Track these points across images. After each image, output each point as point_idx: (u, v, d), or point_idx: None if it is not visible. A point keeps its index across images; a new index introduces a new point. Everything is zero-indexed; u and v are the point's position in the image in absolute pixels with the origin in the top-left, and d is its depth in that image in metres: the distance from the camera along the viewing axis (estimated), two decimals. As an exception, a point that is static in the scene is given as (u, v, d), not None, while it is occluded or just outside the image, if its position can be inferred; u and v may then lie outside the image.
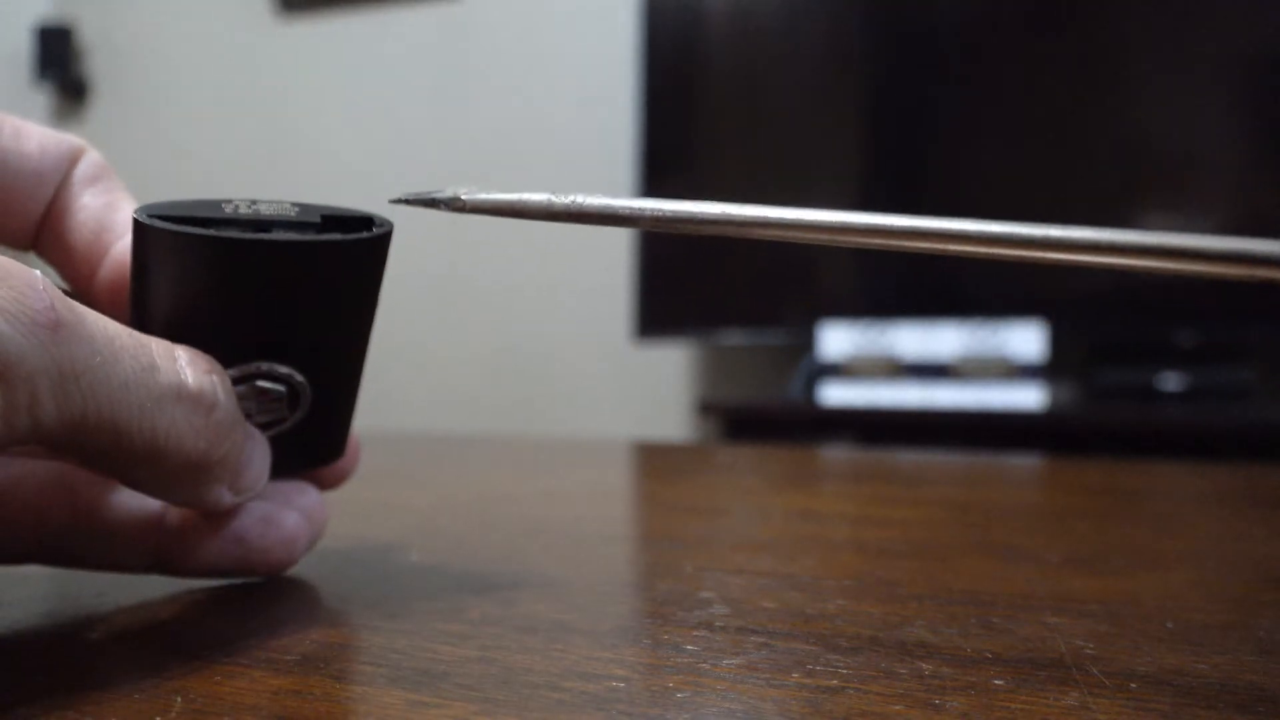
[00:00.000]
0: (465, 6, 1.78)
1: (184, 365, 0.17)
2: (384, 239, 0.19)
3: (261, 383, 0.19)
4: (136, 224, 0.17)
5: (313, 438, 0.21)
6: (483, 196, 0.18)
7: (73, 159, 0.20)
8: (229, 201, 0.18)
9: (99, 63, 2.06)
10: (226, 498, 0.19)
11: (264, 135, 1.92)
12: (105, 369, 0.15)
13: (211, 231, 0.17)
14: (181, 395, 0.16)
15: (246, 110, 1.94)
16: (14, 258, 0.21)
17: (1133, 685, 0.15)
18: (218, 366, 0.18)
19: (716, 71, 1.49)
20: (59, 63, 2.01)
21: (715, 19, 1.47)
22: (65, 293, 0.20)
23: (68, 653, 0.16)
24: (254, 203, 0.18)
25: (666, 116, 1.49)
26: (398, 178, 1.82)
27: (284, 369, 0.19)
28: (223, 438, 0.17)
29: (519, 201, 0.18)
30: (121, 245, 0.20)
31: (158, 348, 0.16)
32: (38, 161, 0.20)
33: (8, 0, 2.03)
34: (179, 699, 0.14)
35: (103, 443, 0.15)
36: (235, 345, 0.18)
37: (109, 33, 2.05)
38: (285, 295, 0.18)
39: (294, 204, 0.19)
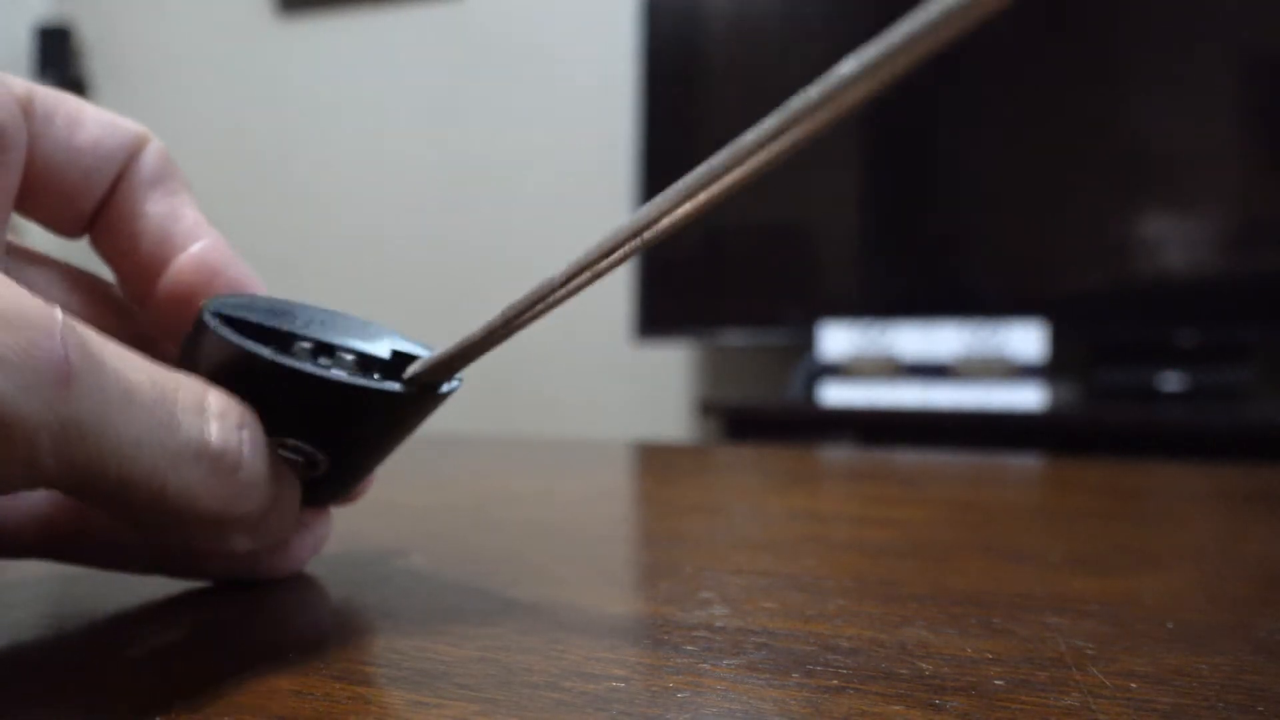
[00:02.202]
0: (465, 6, 1.78)
1: (211, 418, 0.16)
2: (446, 395, 0.19)
3: (282, 451, 0.18)
4: (200, 323, 0.17)
5: (324, 491, 0.20)
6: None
7: (132, 151, 0.19)
8: (304, 307, 0.18)
9: (99, 63, 2.06)
10: (242, 545, 0.18)
11: (264, 135, 1.92)
12: (118, 424, 0.14)
13: (275, 357, 0.17)
14: (201, 455, 0.15)
15: (246, 110, 1.94)
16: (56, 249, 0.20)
17: (1133, 685, 0.15)
18: (251, 419, 0.17)
19: (717, 72, 1.49)
20: (59, 63, 2.01)
21: (715, 19, 1.47)
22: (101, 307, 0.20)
23: (66, 654, 0.16)
24: (325, 317, 0.18)
25: (666, 117, 1.49)
26: (398, 178, 1.82)
27: (309, 447, 0.18)
28: (245, 498, 0.16)
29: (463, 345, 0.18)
30: (183, 259, 0.19)
31: (185, 398, 0.15)
32: (90, 156, 0.19)
33: (8, 0, 2.03)
34: (179, 699, 0.14)
35: (107, 493, 0.14)
36: (267, 425, 0.18)
37: (109, 33, 2.05)
38: (332, 417, 0.18)
39: (366, 324, 0.18)
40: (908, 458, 0.57)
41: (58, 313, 0.13)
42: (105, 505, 0.15)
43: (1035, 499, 0.39)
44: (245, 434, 0.16)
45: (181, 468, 0.15)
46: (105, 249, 0.20)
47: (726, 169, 0.14)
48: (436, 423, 1.73)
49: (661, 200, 0.14)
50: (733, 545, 0.26)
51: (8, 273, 0.18)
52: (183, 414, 0.15)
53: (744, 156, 0.13)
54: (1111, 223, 1.29)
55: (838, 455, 0.66)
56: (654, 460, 0.55)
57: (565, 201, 1.71)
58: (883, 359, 1.28)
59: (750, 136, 0.13)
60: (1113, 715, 0.13)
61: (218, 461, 0.16)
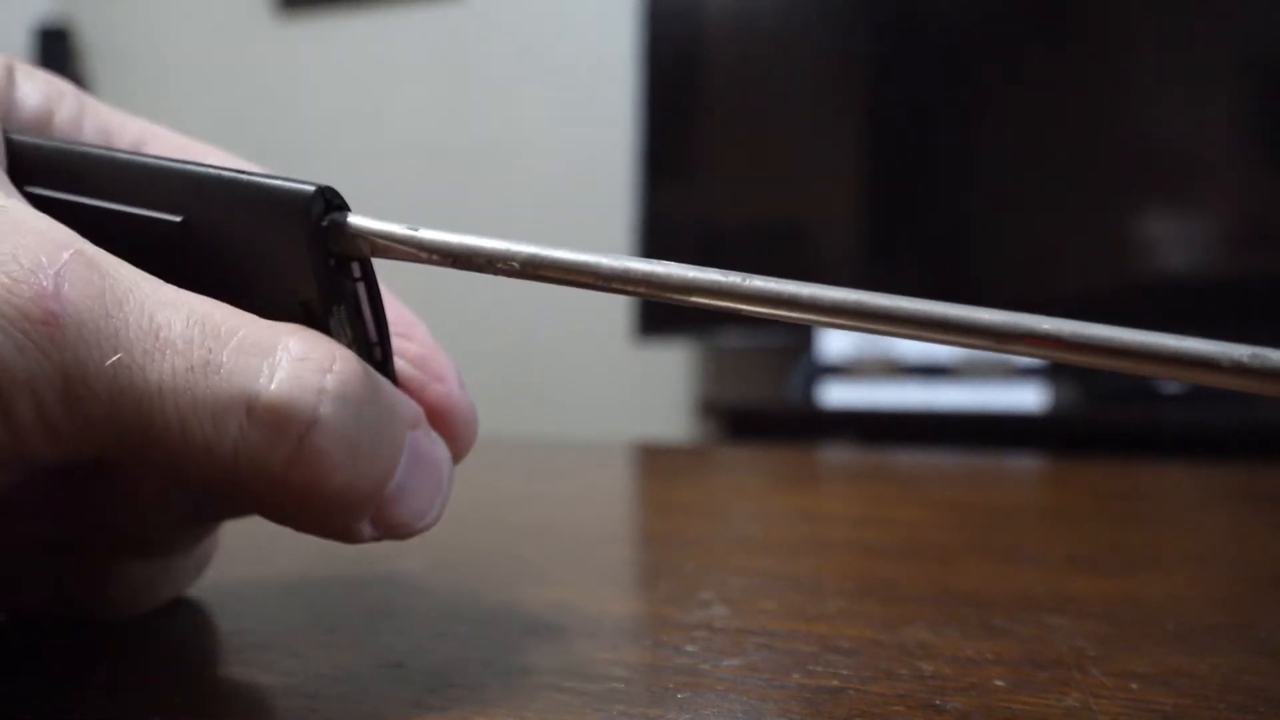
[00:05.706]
0: (466, 7, 1.78)
1: (282, 364, 0.12)
2: None
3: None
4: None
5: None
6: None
7: None
8: None
9: (98, 63, 2.06)
10: (366, 532, 0.14)
11: (264, 136, 1.92)
12: (130, 369, 0.12)
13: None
14: (254, 408, 0.12)
15: (246, 110, 1.94)
16: None
17: (1134, 686, 0.15)
18: (351, 365, 0.13)
19: (717, 74, 1.49)
20: (58, 63, 2.01)
21: (716, 20, 1.47)
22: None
23: (63, 654, 0.16)
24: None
25: (666, 119, 1.49)
26: (398, 179, 1.82)
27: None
28: (338, 468, 0.12)
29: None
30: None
31: (248, 336, 0.12)
32: None
33: (7, 0, 2.03)
34: (176, 700, 0.14)
35: (147, 455, 0.12)
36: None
37: (109, 33, 2.05)
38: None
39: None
40: (908, 458, 0.57)
41: (64, 241, 0.12)
42: (162, 469, 0.13)
43: (1035, 499, 0.39)
44: (330, 380, 0.12)
45: (226, 423, 0.12)
46: None
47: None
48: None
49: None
50: (733, 545, 0.26)
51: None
52: (232, 354, 0.12)
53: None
54: (1113, 222, 1.29)
55: (837, 455, 0.66)
56: (654, 460, 0.55)
57: (566, 202, 1.71)
58: (883, 359, 1.28)
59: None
60: (1113, 716, 0.13)
61: (277, 418, 0.12)
